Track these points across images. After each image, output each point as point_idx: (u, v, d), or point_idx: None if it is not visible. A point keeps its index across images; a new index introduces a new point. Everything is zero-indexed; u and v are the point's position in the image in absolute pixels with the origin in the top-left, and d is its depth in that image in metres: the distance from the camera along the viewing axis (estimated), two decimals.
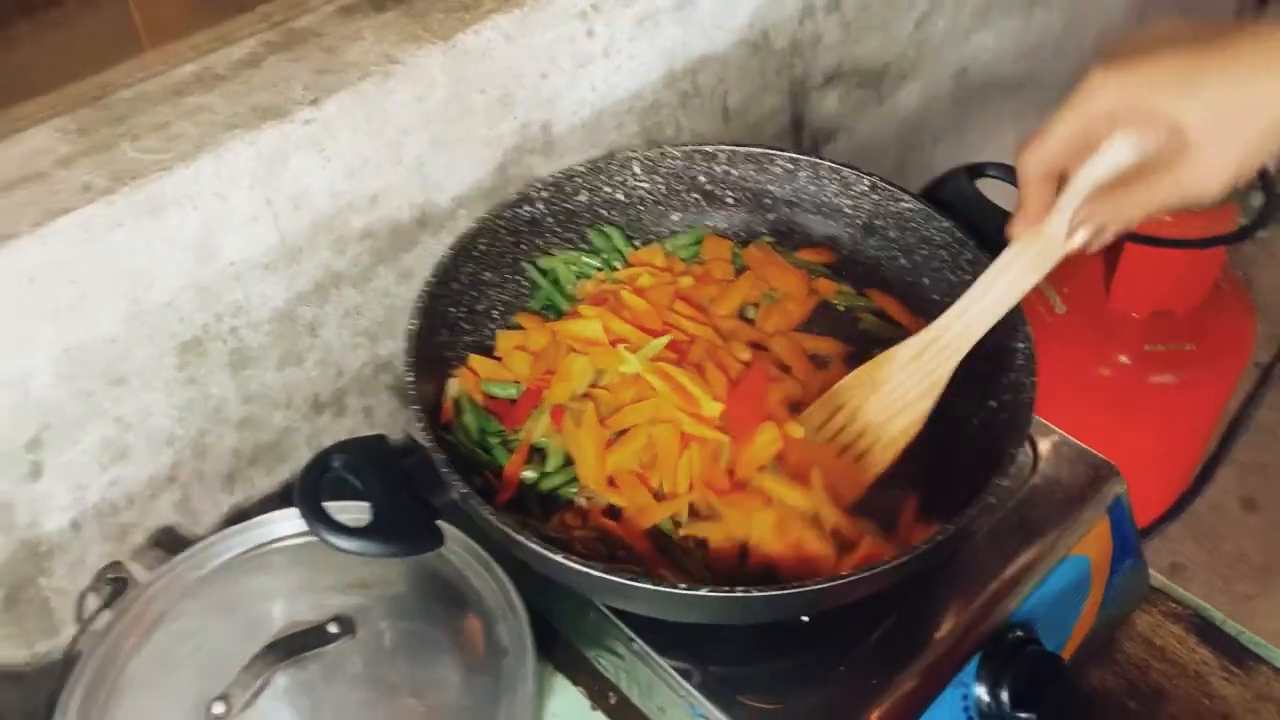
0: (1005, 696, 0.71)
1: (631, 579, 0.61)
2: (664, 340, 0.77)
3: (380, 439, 0.69)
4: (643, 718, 0.76)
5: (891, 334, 0.81)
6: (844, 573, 0.61)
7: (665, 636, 0.71)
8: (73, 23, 0.77)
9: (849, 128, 1.27)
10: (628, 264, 0.86)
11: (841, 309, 0.85)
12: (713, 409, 0.73)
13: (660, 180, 0.88)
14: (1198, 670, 0.83)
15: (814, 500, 0.69)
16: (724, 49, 1.04)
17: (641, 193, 0.88)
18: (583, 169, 0.85)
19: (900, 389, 0.73)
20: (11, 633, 0.77)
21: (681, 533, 0.70)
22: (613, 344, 0.77)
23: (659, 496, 0.71)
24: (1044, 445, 0.81)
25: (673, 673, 0.70)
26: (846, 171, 0.85)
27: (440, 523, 0.67)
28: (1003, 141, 1.58)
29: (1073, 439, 0.82)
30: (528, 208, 0.84)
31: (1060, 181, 0.65)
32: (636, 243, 0.89)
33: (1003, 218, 0.71)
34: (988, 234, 0.78)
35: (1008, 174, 0.70)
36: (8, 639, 0.77)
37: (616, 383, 0.75)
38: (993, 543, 0.76)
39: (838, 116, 1.25)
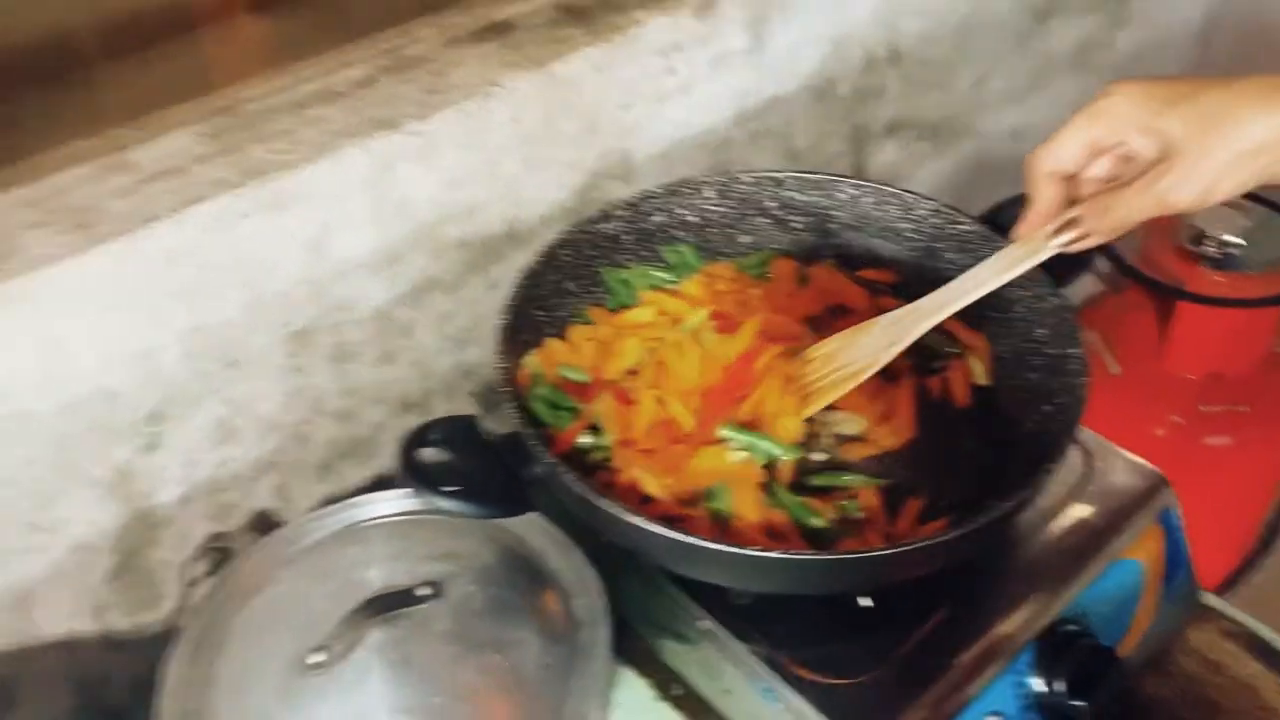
0: (1059, 685, 0.74)
1: (704, 541, 0.65)
2: (705, 312, 0.83)
3: (470, 418, 0.74)
4: (706, 708, 0.79)
5: (949, 347, 0.85)
6: (917, 537, 0.65)
7: (733, 615, 0.75)
8: (205, 44, 0.86)
9: (907, 177, 1.33)
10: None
11: None
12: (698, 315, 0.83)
13: (731, 204, 0.93)
14: (1251, 683, 0.85)
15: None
16: (792, 93, 1.11)
17: (713, 215, 0.93)
18: (659, 191, 0.91)
19: (872, 343, 0.78)
20: (119, 600, 0.82)
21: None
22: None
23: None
24: (1097, 453, 0.85)
25: (744, 647, 0.73)
26: (908, 196, 0.90)
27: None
28: None
29: (1125, 451, 0.86)
30: (607, 225, 0.89)
31: (1069, 186, 0.70)
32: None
33: None
34: None
35: None
36: (115, 607, 0.82)
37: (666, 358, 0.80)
38: (1045, 541, 0.79)
39: (896, 164, 1.31)
